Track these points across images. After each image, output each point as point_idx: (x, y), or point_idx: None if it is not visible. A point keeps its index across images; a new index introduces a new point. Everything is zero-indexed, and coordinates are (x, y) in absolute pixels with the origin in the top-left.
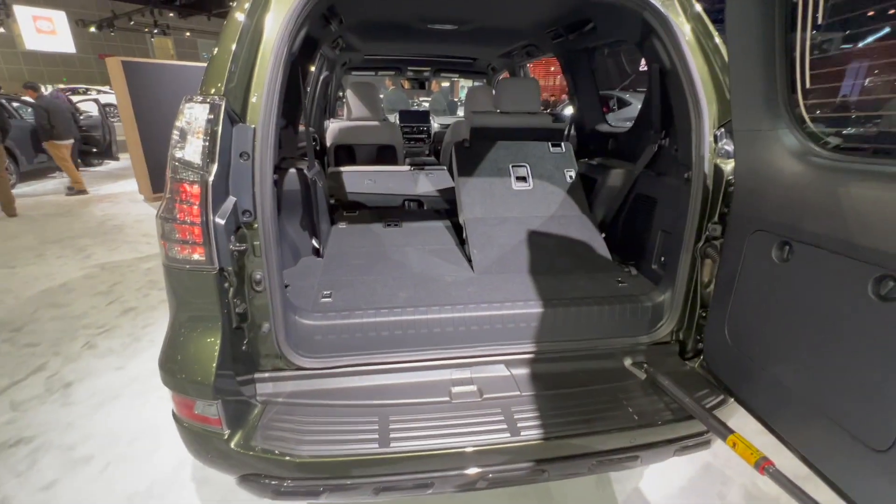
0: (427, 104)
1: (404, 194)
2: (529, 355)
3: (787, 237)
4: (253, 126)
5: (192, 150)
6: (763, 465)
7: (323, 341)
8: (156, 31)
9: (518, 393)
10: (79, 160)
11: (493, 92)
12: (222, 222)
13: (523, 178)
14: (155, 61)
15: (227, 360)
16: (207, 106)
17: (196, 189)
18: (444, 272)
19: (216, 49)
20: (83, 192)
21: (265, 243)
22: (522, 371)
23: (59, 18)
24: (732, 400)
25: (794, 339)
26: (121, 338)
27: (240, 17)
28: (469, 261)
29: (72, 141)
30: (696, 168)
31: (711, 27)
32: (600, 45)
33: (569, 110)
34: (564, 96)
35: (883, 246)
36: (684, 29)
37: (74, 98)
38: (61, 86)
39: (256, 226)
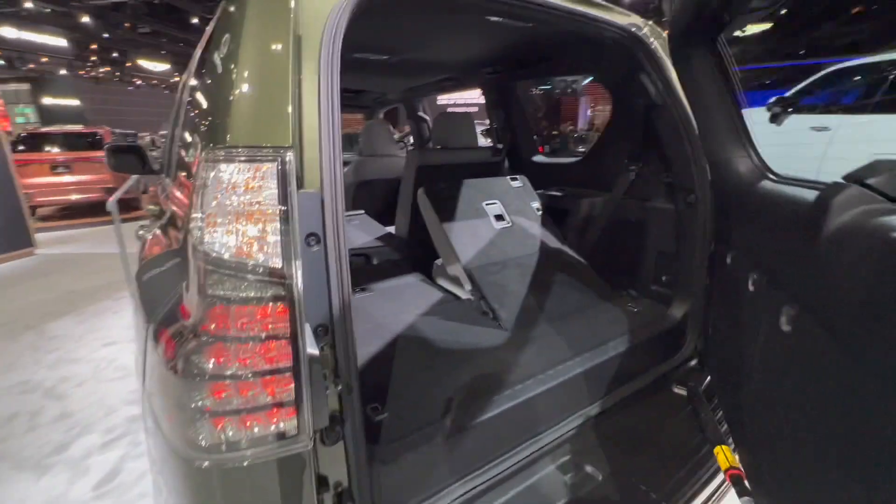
0: None
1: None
2: (607, 408)
3: (737, 248)
4: (315, 191)
5: (255, 244)
6: (729, 472)
7: (402, 481)
8: None
9: (622, 457)
10: None
11: (432, 128)
12: (316, 353)
13: (500, 217)
14: None
15: None
16: (274, 165)
17: (278, 309)
18: (476, 338)
19: (252, 79)
20: None
21: (349, 374)
22: (610, 427)
23: None
24: None
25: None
26: None
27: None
28: (485, 314)
29: None
30: (699, 192)
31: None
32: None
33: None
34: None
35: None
36: (670, 66)
37: None
38: None
39: (336, 346)
